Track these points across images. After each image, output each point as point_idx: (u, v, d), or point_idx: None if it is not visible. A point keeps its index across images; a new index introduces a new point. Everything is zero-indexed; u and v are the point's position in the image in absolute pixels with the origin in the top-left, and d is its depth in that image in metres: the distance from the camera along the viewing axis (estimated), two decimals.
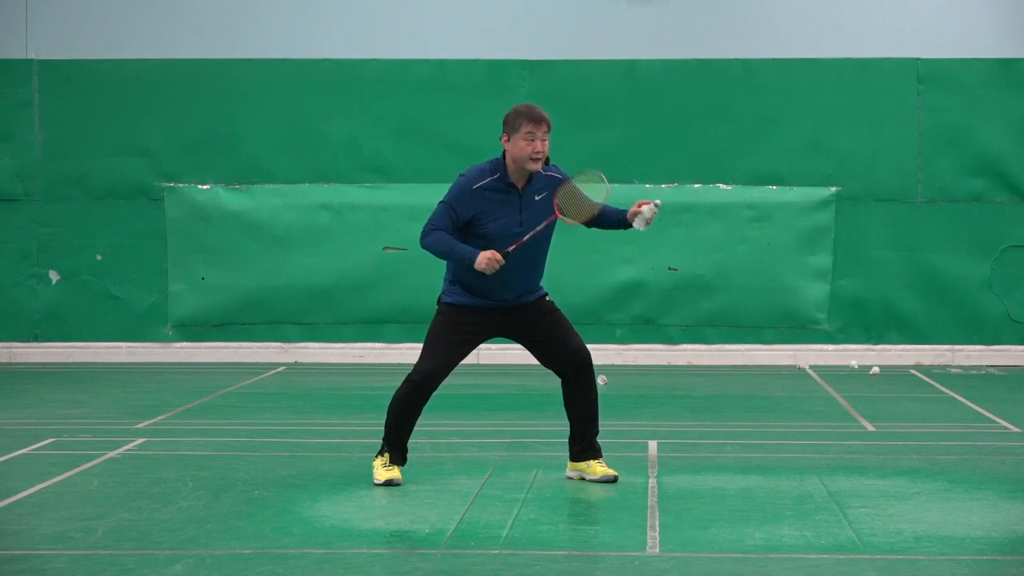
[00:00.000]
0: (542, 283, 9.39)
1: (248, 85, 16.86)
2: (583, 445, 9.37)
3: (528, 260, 9.17)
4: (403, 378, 9.42)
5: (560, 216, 9.17)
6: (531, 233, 9.09)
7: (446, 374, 9.37)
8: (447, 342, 9.30)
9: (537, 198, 9.17)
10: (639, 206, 9.24)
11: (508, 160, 9.12)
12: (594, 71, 16.75)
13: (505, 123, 9.11)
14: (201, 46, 16.90)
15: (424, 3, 16.92)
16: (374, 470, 9.32)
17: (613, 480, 9.31)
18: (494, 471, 9.72)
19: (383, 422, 9.38)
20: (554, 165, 9.31)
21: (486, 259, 9.00)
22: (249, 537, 7.83)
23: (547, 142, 9.12)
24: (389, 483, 9.23)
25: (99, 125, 16.88)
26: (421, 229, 9.18)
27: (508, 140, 9.11)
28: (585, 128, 16.58)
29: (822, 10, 16.73)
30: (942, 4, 16.69)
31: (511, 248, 9.05)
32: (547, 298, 9.37)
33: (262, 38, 16.89)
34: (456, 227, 9.13)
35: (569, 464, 9.44)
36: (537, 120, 9.08)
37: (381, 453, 9.34)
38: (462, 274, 9.17)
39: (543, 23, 16.87)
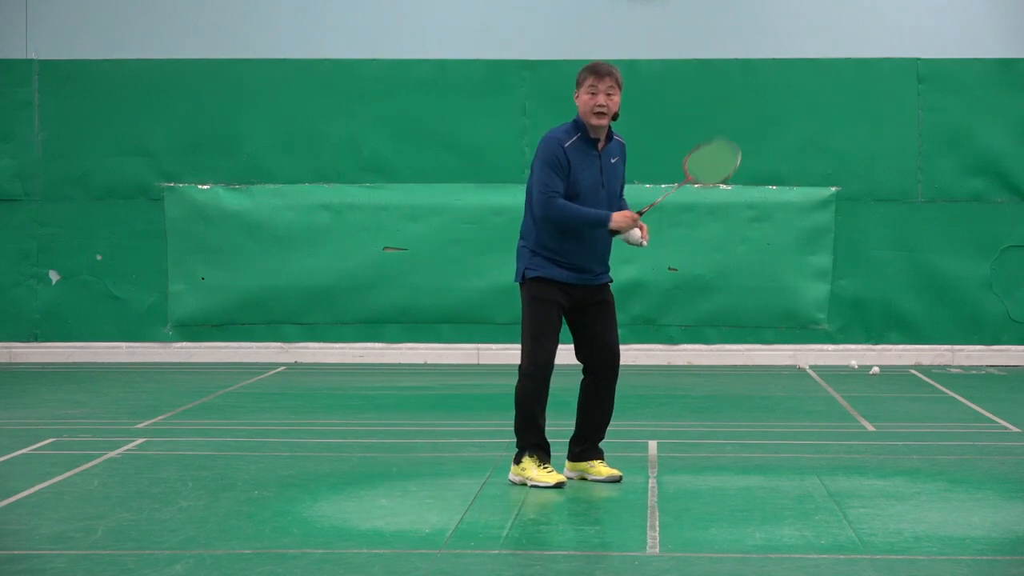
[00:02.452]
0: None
1: (248, 85, 16.86)
2: (586, 447, 9.36)
3: (607, 234, 9.08)
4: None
5: (691, 179, 9.17)
6: (664, 196, 9.12)
7: (555, 358, 9.17)
8: (551, 325, 9.09)
9: (612, 161, 9.15)
10: (641, 229, 9.09)
11: (582, 119, 9.09)
12: None
13: (576, 81, 9.10)
14: (201, 46, 16.90)
15: (424, 3, 16.92)
16: (528, 477, 9.10)
17: (617, 480, 9.29)
18: (494, 471, 9.71)
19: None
20: (619, 135, 9.26)
21: (622, 216, 8.92)
22: (249, 537, 7.83)
23: (614, 97, 9.03)
24: (560, 485, 9.08)
25: (99, 125, 16.88)
26: (537, 200, 8.97)
27: (577, 97, 9.09)
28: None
29: (822, 10, 16.73)
30: (942, 4, 16.69)
31: (645, 209, 9.03)
32: (610, 284, 9.31)
33: (262, 38, 16.89)
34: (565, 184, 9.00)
35: (568, 464, 9.41)
36: (600, 74, 9.04)
37: (524, 458, 9.15)
38: (556, 243, 9.01)
39: (543, 23, 16.88)
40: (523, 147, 16.71)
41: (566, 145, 9.06)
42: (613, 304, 9.28)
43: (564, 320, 9.20)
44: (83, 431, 11.58)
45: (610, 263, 9.27)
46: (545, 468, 9.13)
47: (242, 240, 16.81)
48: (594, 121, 9.05)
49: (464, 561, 7.32)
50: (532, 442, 9.16)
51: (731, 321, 16.72)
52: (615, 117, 9.12)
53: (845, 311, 16.72)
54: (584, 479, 9.34)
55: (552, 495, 8.95)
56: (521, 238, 9.17)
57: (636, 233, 9.04)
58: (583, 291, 9.13)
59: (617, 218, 8.96)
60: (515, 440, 9.25)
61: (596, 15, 16.81)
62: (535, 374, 9.12)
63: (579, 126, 9.11)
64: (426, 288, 16.61)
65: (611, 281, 9.30)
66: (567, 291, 9.10)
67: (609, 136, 9.17)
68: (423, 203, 16.73)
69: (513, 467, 9.25)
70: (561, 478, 9.12)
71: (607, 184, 9.09)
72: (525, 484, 9.16)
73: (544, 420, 9.21)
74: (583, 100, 9.06)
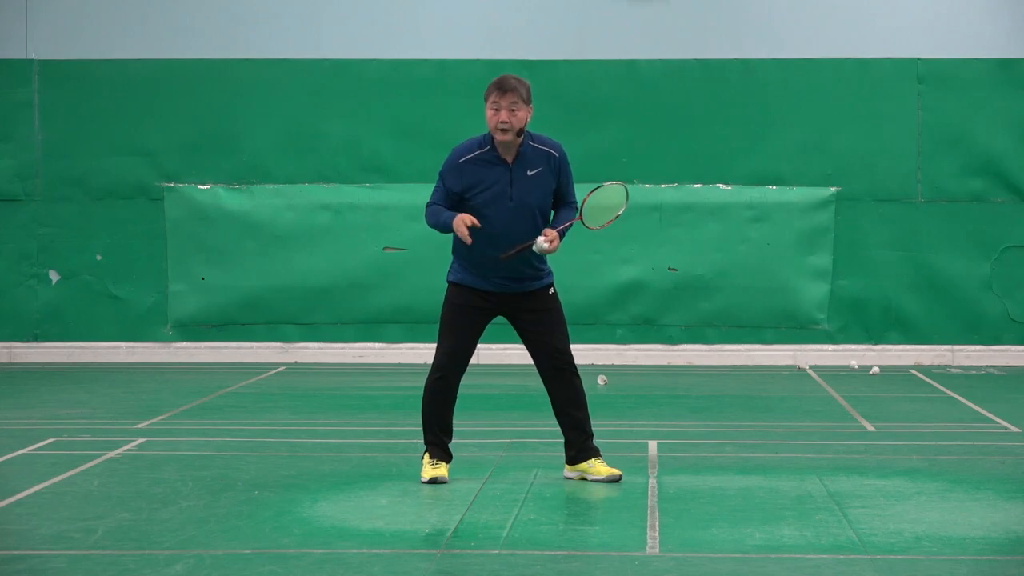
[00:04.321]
0: (550, 271, 9.28)
1: (248, 85, 16.86)
2: (578, 449, 9.35)
3: (514, 237, 9.02)
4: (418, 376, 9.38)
5: (581, 220, 9.16)
6: (565, 226, 9.08)
7: (464, 361, 9.24)
8: (455, 329, 9.20)
9: (530, 173, 9.09)
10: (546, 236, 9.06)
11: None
12: (594, 71, 16.75)
13: (484, 95, 9.11)
14: (201, 46, 16.90)
15: (424, 3, 16.92)
16: (422, 468, 9.32)
17: (617, 479, 9.29)
18: (494, 471, 9.71)
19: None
20: (555, 141, 9.23)
21: (458, 219, 8.95)
22: (249, 537, 7.83)
23: (518, 113, 9.01)
24: (433, 480, 9.19)
25: (99, 125, 16.88)
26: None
27: (486, 111, 9.08)
28: (585, 128, 16.58)
29: (822, 10, 16.73)
30: (942, 4, 16.69)
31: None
32: (551, 290, 9.29)
33: (262, 38, 16.89)
34: (450, 200, 9.11)
35: (567, 468, 9.41)
36: (503, 90, 9.05)
37: (424, 452, 9.37)
38: (463, 250, 9.10)
39: (543, 23, 16.87)
40: None
41: (463, 160, 9.11)
42: (555, 309, 9.25)
43: (515, 329, 9.29)
44: (83, 431, 11.58)
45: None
46: (434, 465, 9.25)
47: (242, 240, 16.81)
48: (498, 137, 9.06)
49: (464, 561, 7.32)
50: (428, 440, 9.32)
51: (731, 321, 16.72)
52: (520, 132, 9.05)
53: (845, 311, 16.72)
54: (584, 479, 9.34)
55: (552, 494, 8.95)
56: None
57: (540, 242, 9.01)
58: (507, 298, 9.16)
59: (456, 222, 8.97)
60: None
61: (596, 15, 16.82)
62: (433, 375, 9.26)
63: (487, 140, 9.12)
64: (426, 288, 16.59)
65: (549, 287, 9.25)
66: (485, 297, 9.16)
67: (522, 149, 9.08)
68: (423, 203, 16.64)
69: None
70: (437, 474, 9.18)
71: (517, 197, 9.03)
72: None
73: (443, 423, 9.31)
74: (488, 116, 9.09)
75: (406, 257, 16.72)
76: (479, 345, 9.56)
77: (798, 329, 16.76)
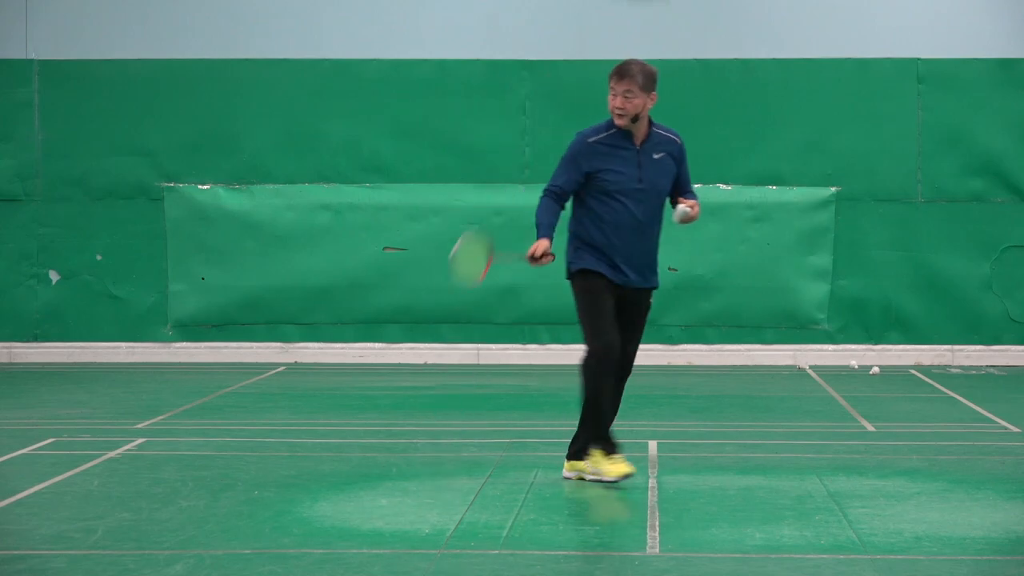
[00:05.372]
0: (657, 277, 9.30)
1: (248, 85, 16.86)
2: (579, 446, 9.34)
3: (642, 220, 9.07)
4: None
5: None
6: (489, 265, 9.10)
7: (619, 347, 9.12)
8: (605, 315, 9.05)
9: (656, 156, 9.17)
10: (686, 203, 9.15)
11: None
12: (594, 71, 16.72)
13: None
14: (201, 46, 16.90)
15: (424, 3, 16.92)
16: (597, 470, 9.09)
17: (628, 476, 9.20)
18: (494, 471, 9.71)
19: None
20: (674, 130, 9.31)
21: (539, 244, 8.96)
22: (249, 537, 7.83)
23: (633, 99, 9.06)
24: (626, 476, 9.05)
25: (99, 125, 16.88)
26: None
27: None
28: (585, 128, 16.55)
29: (822, 10, 16.72)
30: (942, 4, 16.69)
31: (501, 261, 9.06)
32: (650, 296, 9.29)
33: (262, 38, 16.89)
34: (578, 182, 9.06)
35: (568, 464, 9.39)
36: (619, 75, 9.16)
37: (590, 450, 9.12)
38: (592, 233, 9.06)
39: (543, 23, 16.87)
40: (523, 147, 16.71)
41: (591, 140, 9.14)
42: (646, 314, 9.31)
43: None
44: (83, 431, 11.58)
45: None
46: (614, 461, 9.10)
47: (242, 240, 16.80)
48: (616, 121, 9.15)
49: (464, 561, 7.32)
50: (599, 435, 9.12)
51: (731, 321, 16.71)
52: (636, 118, 9.12)
53: (845, 311, 16.72)
54: (582, 479, 9.31)
55: (552, 494, 8.95)
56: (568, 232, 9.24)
57: (682, 208, 9.14)
58: (624, 292, 9.14)
59: (537, 246, 8.98)
60: (576, 434, 9.19)
61: (596, 15, 16.81)
62: (600, 352, 9.04)
63: (612, 123, 9.20)
64: (426, 288, 16.59)
65: (654, 288, 9.27)
66: (610, 288, 9.11)
67: (650, 132, 9.18)
68: (423, 203, 16.73)
69: (570, 463, 9.23)
70: (630, 470, 9.07)
71: (646, 179, 9.10)
72: (582, 479, 9.17)
73: (612, 412, 9.19)
74: (609, 100, 9.12)
75: (406, 257, 16.71)
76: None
77: (798, 329, 16.76)
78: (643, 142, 9.19)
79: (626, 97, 9.10)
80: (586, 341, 9.10)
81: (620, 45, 16.71)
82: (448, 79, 16.81)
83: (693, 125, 16.63)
